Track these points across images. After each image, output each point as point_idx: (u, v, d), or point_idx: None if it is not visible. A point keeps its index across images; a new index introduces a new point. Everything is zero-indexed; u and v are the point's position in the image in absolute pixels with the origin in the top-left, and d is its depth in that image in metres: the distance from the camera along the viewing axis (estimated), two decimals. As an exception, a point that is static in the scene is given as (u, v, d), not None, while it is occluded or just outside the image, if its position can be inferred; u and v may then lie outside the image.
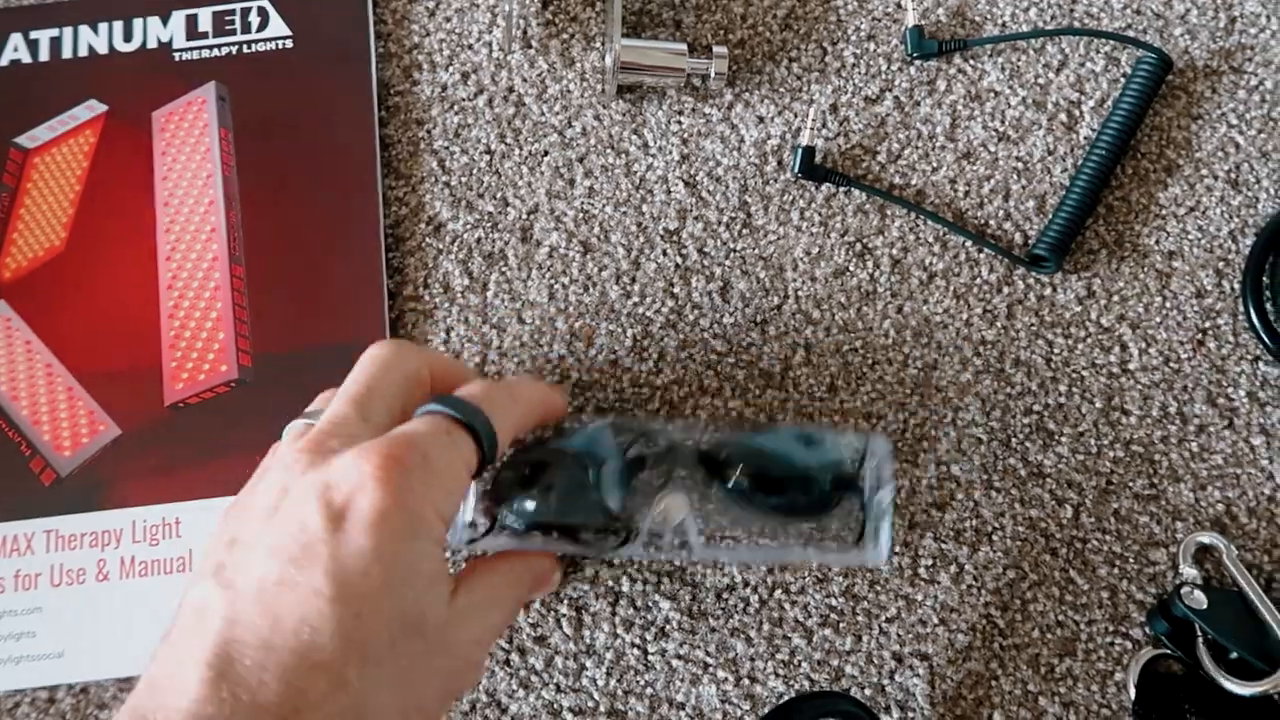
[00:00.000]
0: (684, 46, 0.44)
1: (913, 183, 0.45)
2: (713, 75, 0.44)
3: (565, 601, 0.41)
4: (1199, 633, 0.38)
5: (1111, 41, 0.46)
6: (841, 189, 0.45)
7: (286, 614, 0.28)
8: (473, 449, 0.33)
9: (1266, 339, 0.42)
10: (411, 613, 0.29)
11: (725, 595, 0.41)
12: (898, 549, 0.41)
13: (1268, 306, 0.42)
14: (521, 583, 0.37)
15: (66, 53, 0.47)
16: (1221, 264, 0.44)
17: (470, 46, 0.47)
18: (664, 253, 0.44)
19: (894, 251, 0.44)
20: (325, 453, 0.31)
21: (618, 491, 0.40)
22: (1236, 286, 0.43)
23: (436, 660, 0.31)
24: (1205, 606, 0.39)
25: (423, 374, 0.35)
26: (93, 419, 0.43)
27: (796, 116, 0.45)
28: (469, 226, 0.44)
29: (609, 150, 0.45)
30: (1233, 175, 0.45)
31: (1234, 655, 0.38)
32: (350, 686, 0.28)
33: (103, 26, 0.47)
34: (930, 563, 0.41)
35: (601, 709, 0.40)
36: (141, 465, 0.42)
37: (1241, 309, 0.43)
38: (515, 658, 0.40)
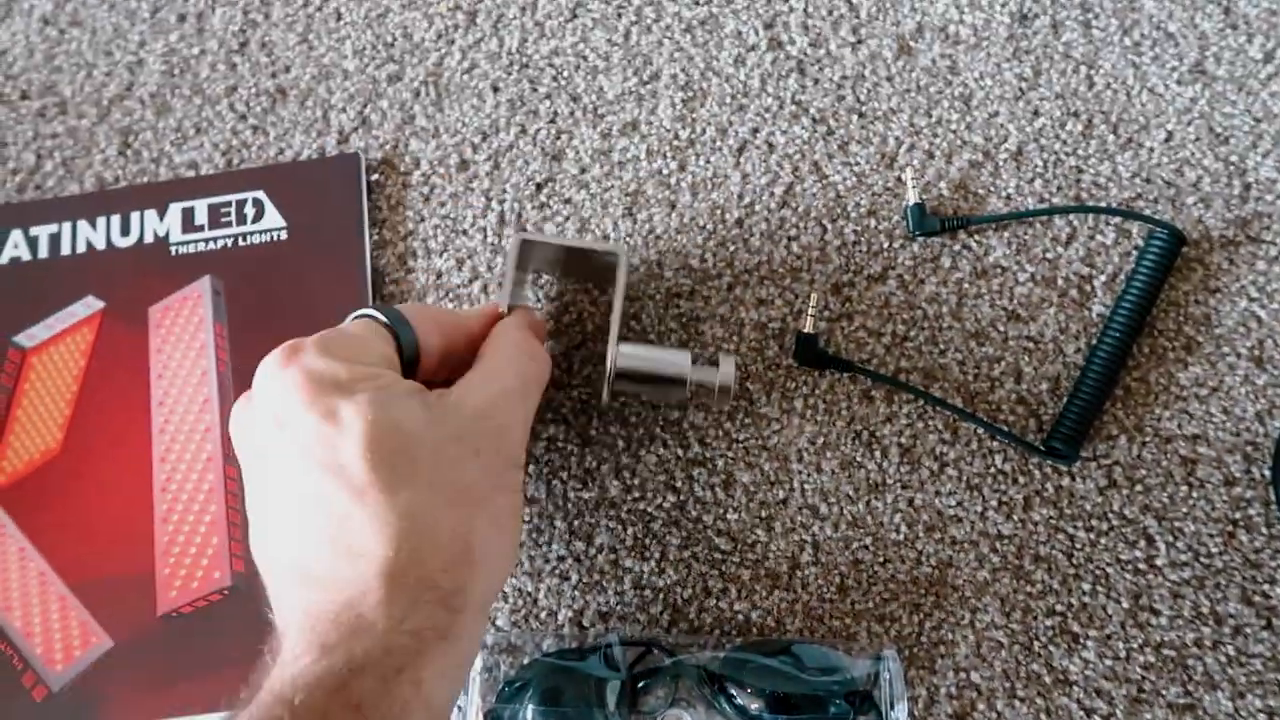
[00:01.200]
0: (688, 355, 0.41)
1: (920, 365, 0.43)
2: (717, 391, 0.41)
3: (566, 826, 0.39)
4: None
5: (1134, 220, 0.45)
6: (845, 374, 0.43)
7: (310, 513, 0.31)
8: (390, 340, 0.36)
9: (1301, 530, 0.40)
10: (389, 434, 0.31)
11: (734, 818, 0.39)
12: (916, 765, 0.39)
13: (1301, 494, 0.40)
14: (517, 348, 0.38)
15: (65, 249, 0.47)
16: (1249, 448, 0.42)
17: (464, 232, 0.46)
18: (664, 444, 0.43)
19: (903, 440, 0.42)
20: (256, 383, 0.34)
21: (624, 710, 0.38)
22: (1267, 473, 0.41)
23: (449, 447, 0.33)
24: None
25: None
26: (85, 630, 0.42)
27: (798, 298, 0.44)
28: (465, 420, 0.44)
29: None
30: (1256, 352, 0.43)
31: None
32: (386, 521, 0.30)
33: (101, 221, 0.47)
34: (951, 780, 0.39)
35: None
36: (134, 679, 0.41)
37: (1274, 496, 0.41)
38: None
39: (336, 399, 0.31)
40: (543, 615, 0.41)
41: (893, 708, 0.38)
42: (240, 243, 0.47)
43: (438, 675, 0.30)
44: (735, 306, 0.45)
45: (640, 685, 0.39)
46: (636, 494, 0.42)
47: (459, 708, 0.38)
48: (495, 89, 0.49)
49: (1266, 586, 0.40)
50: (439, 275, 0.46)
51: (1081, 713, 0.39)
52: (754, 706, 0.38)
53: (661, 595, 0.41)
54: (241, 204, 0.47)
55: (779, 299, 0.45)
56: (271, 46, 0.50)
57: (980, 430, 0.42)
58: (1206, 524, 0.41)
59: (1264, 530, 0.41)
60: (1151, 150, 0.46)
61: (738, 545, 0.42)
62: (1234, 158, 0.46)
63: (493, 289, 0.45)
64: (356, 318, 0.37)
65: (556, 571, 0.42)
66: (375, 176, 0.47)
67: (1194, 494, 0.41)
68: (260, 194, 0.47)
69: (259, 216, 0.47)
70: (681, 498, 0.42)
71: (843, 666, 0.39)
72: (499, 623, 0.41)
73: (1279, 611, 0.40)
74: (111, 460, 0.44)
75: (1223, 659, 0.39)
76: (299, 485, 0.31)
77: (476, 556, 0.32)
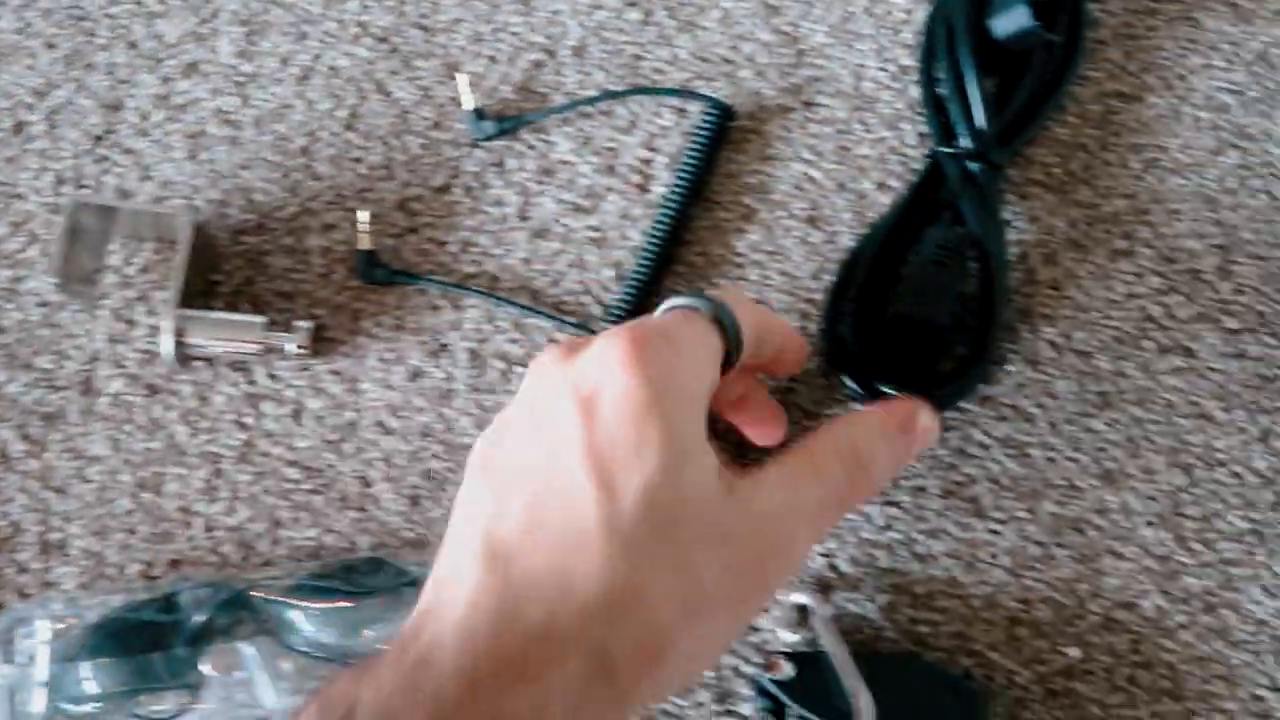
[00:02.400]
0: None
1: (486, 269, 0.43)
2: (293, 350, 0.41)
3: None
4: (787, 706, 0.36)
5: (682, 98, 0.45)
6: (412, 286, 0.43)
7: (547, 502, 0.28)
8: (718, 338, 0.32)
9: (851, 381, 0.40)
10: (670, 491, 0.28)
11: (316, 743, 0.38)
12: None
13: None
14: (852, 457, 0.33)
15: None
16: (806, 305, 0.42)
17: (20, 196, 0.45)
18: (232, 383, 0.42)
19: (471, 344, 0.42)
20: (574, 348, 0.31)
21: (186, 651, 0.38)
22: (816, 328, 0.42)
23: (714, 543, 0.29)
24: (793, 676, 0.36)
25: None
26: None
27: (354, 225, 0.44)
28: (26, 387, 0.42)
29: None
30: (810, 213, 0.43)
31: (823, 724, 0.36)
32: (615, 565, 0.27)
33: None
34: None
35: None
36: None
37: (822, 348, 0.41)
38: None
39: (655, 422, 0.28)
40: (111, 573, 0.40)
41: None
42: None
43: None
44: (302, 236, 0.44)
45: (205, 624, 0.38)
46: (205, 437, 0.41)
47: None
48: (50, 46, 0.47)
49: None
50: (-3, 244, 0.44)
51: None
52: (313, 629, 0.37)
53: (234, 534, 0.40)
54: None
55: (346, 222, 0.44)
56: None
57: (546, 323, 0.42)
58: (768, 380, 0.41)
59: (821, 379, 0.41)
60: (708, 30, 0.46)
61: (308, 473, 0.41)
62: (787, 27, 0.46)
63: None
64: (676, 308, 0.33)
65: (124, 526, 0.40)
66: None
67: (754, 358, 0.42)
68: None
69: None
70: (251, 434, 0.41)
71: (410, 571, 0.39)
72: (66, 586, 0.40)
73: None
74: None
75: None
76: (548, 442, 0.29)
77: (667, 660, 0.28)
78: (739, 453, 0.40)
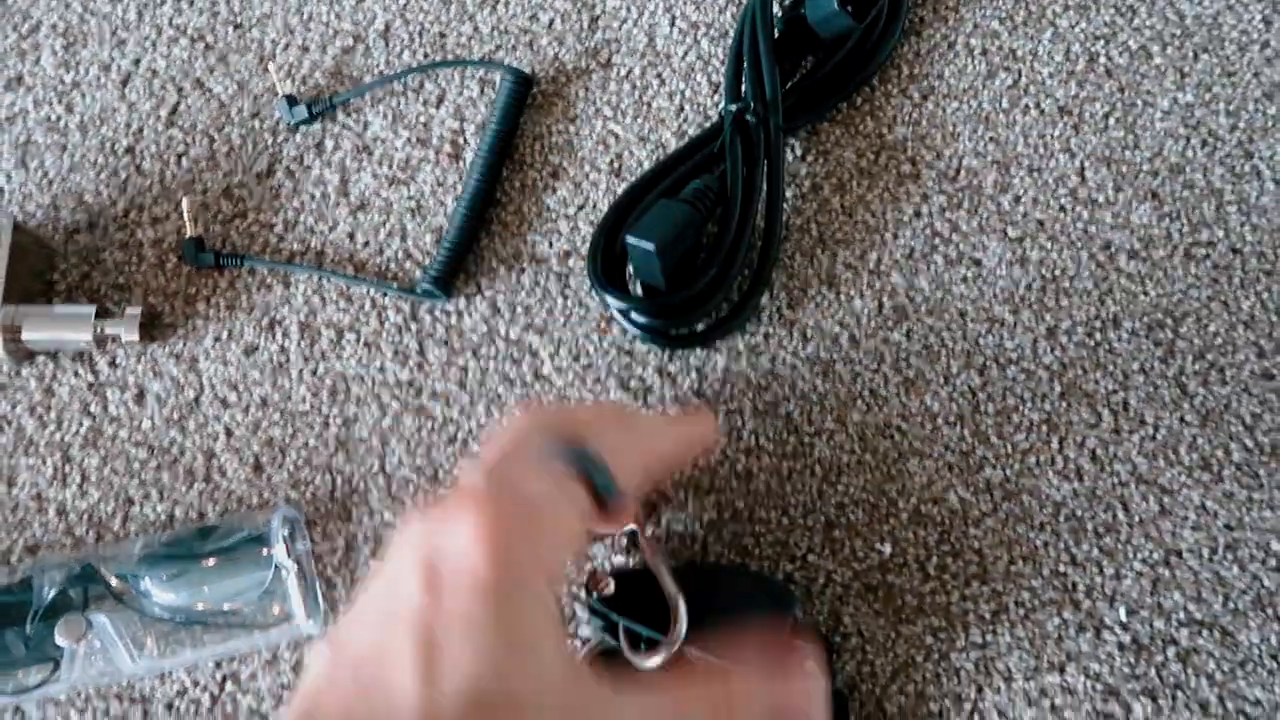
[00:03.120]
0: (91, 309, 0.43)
1: (312, 245, 0.45)
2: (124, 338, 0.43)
3: (13, 754, 0.40)
4: (617, 620, 0.39)
5: (482, 68, 0.47)
6: (245, 269, 0.45)
7: (371, 680, 0.27)
8: (585, 498, 0.31)
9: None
10: (496, 683, 0.26)
11: (176, 703, 0.40)
12: (345, 607, 0.41)
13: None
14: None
15: None
16: (616, 251, 0.45)
17: None
18: (74, 374, 0.44)
19: (302, 317, 0.44)
20: (435, 514, 0.29)
21: (38, 626, 0.39)
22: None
23: None
24: (615, 591, 0.39)
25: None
26: None
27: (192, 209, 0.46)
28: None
29: None
30: (615, 165, 0.46)
31: (645, 634, 0.38)
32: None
33: None
34: (375, 616, 0.41)
35: None
36: None
37: (590, 274, 0.44)
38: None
39: (502, 612, 0.27)
40: (-33, 563, 0.42)
41: (298, 558, 0.40)
42: None
43: None
44: (133, 230, 0.46)
45: (57, 599, 0.40)
46: (53, 427, 0.43)
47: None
48: (-122, 72, 0.48)
49: (640, 370, 0.43)
50: None
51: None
52: (165, 594, 0.39)
53: (86, 516, 0.42)
54: None
55: (174, 214, 0.46)
56: None
57: (372, 290, 0.45)
58: (582, 326, 0.44)
59: (631, 321, 0.44)
60: (507, 4, 0.49)
61: (154, 451, 0.43)
62: (583, -6, 0.49)
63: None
64: (544, 461, 0.31)
65: (-21, 519, 0.42)
66: None
67: (569, 302, 0.44)
68: None
69: None
70: (97, 421, 0.43)
71: (252, 530, 0.41)
72: (-75, 581, 0.41)
73: (653, 390, 0.43)
74: None
75: (604, 444, 0.42)
76: (385, 613, 0.28)
77: None
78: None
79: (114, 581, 0.39)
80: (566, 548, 0.30)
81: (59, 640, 0.39)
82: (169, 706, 0.40)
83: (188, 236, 0.44)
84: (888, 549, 0.42)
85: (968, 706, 0.40)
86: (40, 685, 0.39)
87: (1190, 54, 0.48)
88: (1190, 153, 0.46)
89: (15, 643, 0.39)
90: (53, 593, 0.39)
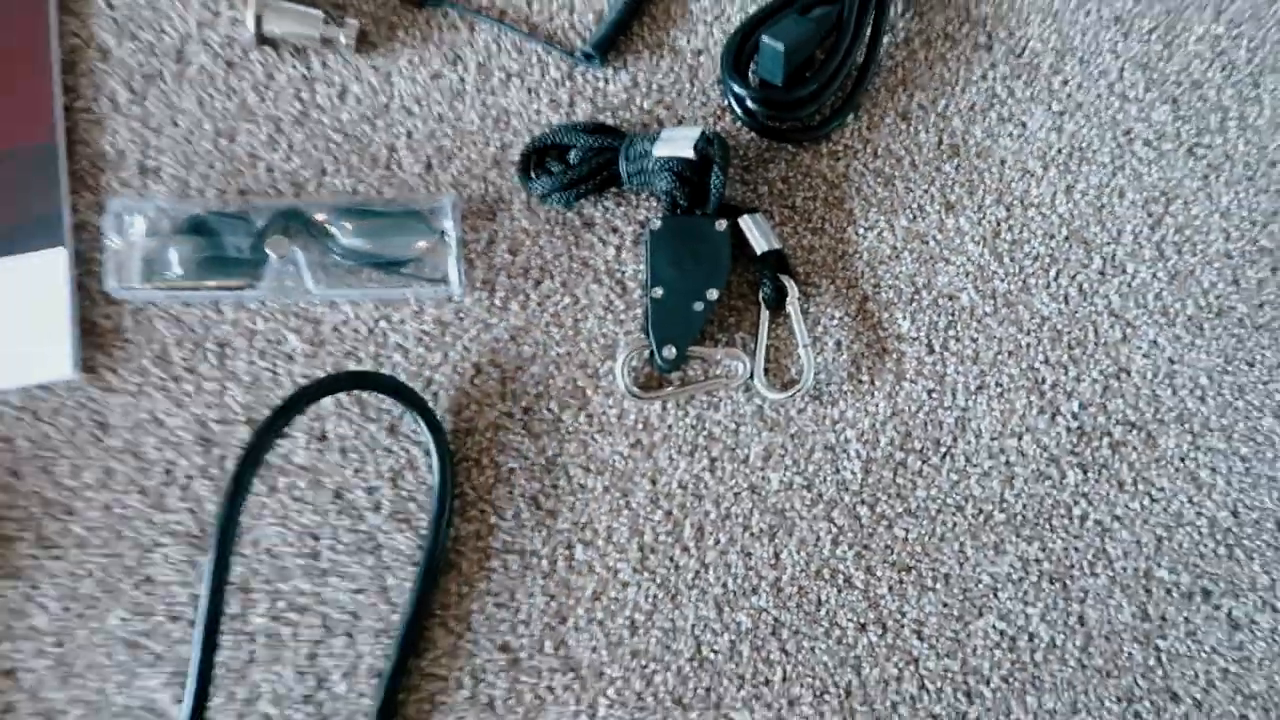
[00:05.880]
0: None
1: (497, 3, 0.56)
2: (343, 42, 0.53)
3: (211, 339, 0.51)
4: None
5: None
6: (441, 11, 0.55)
7: None
8: None
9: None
10: None
11: (340, 328, 0.52)
12: (479, 286, 0.52)
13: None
14: None
15: None
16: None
17: (132, -92, 0.56)
18: (294, 67, 0.54)
19: (480, 59, 0.55)
20: None
21: (252, 241, 0.50)
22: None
23: None
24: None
25: None
26: None
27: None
28: (132, 52, 0.54)
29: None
30: (750, -13, 0.56)
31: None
32: None
33: None
34: (504, 294, 0.52)
35: (241, 419, 0.50)
36: None
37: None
38: (171, 384, 0.50)
39: None
40: (193, 195, 0.53)
41: (453, 236, 0.51)
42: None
43: None
44: (354, -37, 0.56)
45: (268, 225, 0.51)
46: (270, 104, 0.54)
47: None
48: None
49: (734, 160, 0.54)
50: (110, -56, 0.55)
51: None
52: (350, 239, 0.50)
53: (288, 176, 0.53)
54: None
55: (389, -44, 0.56)
56: None
57: (539, 47, 0.55)
58: (700, 110, 0.55)
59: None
60: None
61: (347, 138, 0.54)
62: None
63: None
64: None
65: (206, 162, 0.53)
66: None
67: (694, 91, 0.55)
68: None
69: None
70: (305, 105, 0.54)
71: (424, 204, 0.52)
72: (158, 186, 0.52)
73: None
74: None
75: (704, 200, 0.53)
76: None
77: None
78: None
79: (315, 219, 0.50)
80: None
81: (267, 249, 0.50)
82: (334, 329, 0.51)
83: (402, -24, 0.54)
84: (906, 324, 0.53)
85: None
86: (241, 288, 0.50)
87: (1230, -6, 0.58)
88: (1211, 73, 0.57)
89: (233, 249, 0.50)
90: (265, 221, 0.51)
